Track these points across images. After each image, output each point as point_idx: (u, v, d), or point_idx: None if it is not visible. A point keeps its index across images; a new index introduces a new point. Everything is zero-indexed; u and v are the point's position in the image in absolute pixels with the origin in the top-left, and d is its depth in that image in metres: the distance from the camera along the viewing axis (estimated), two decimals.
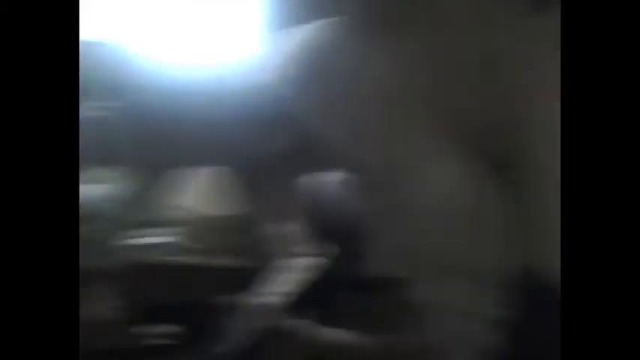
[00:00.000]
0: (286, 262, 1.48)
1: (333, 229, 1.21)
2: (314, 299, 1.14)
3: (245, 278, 1.62)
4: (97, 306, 1.57)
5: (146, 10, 2.12)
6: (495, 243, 0.76)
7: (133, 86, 2.02)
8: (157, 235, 1.80)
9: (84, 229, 1.59)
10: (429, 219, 0.74)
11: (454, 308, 0.73)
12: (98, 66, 1.99)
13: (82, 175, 1.75)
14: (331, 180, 1.16)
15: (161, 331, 1.62)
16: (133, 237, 1.77)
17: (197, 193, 1.79)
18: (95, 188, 1.68)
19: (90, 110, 1.81)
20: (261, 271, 1.58)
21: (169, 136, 2.04)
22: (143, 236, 1.79)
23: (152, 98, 2.03)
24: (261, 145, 1.54)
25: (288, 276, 1.42)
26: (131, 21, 2.11)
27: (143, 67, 2.11)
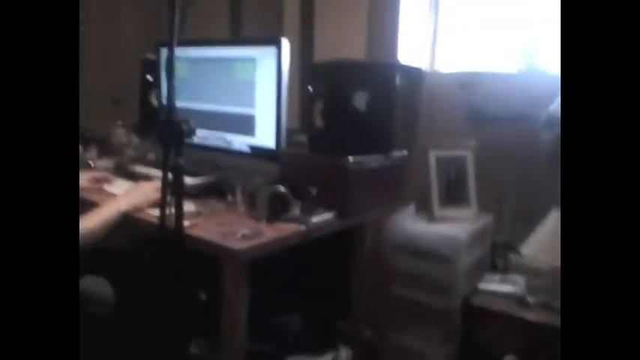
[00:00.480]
0: None
1: None
2: None
3: None
4: (425, 343, 1.63)
5: None
6: None
7: (485, 125, 2.04)
8: (501, 283, 1.75)
9: (428, 266, 1.68)
10: None
11: None
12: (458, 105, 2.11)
13: (429, 213, 1.85)
14: None
15: None
16: (476, 280, 1.77)
17: (543, 240, 1.64)
18: (443, 227, 1.74)
19: (436, 149, 1.91)
20: None
21: (520, 177, 1.97)
22: (487, 281, 1.77)
23: (502, 137, 2.01)
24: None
25: None
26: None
27: (493, 107, 2.11)
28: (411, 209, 1.93)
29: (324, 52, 2.14)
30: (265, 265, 1.43)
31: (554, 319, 1.56)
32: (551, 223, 1.69)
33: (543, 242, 1.65)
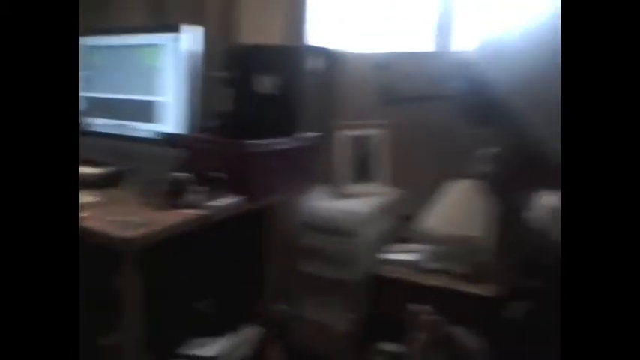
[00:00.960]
0: None
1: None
2: None
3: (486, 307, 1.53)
4: (332, 316, 1.73)
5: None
6: None
7: (397, 104, 2.13)
8: (401, 252, 1.86)
9: (335, 241, 1.77)
10: None
11: None
12: (359, 87, 2.18)
13: (339, 191, 1.94)
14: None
15: (384, 348, 1.66)
16: (382, 251, 1.88)
17: (442, 210, 1.76)
18: (348, 203, 1.83)
19: (347, 129, 2.00)
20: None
21: (429, 154, 2.08)
22: (388, 252, 1.88)
23: (414, 117, 2.11)
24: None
25: None
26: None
27: (406, 85, 2.20)
28: (325, 188, 2.02)
29: (249, 37, 2.16)
30: (175, 252, 1.48)
31: (452, 283, 1.69)
32: (448, 194, 1.81)
33: (442, 212, 1.77)
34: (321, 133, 1.84)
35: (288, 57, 1.76)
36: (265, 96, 1.70)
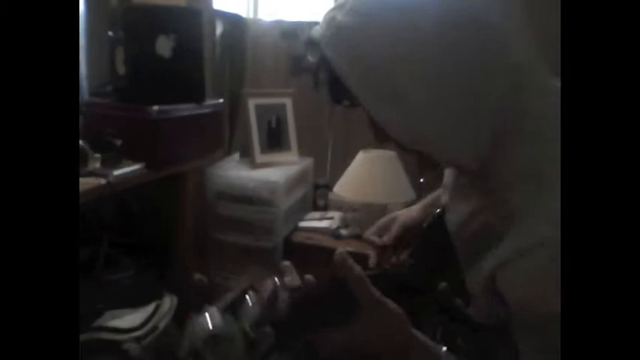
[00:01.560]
0: None
1: None
2: None
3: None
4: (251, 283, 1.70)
5: None
6: None
7: (304, 73, 2.11)
8: (320, 219, 1.86)
9: (251, 210, 1.73)
10: None
11: None
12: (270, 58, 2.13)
13: (251, 159, 1.89)
14: None
15: None
16: (297, 219, 1.87)
17: (351, 179, 1.78)
18: (264, 173, 1.79)
19: (257, 97, 1.95)
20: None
21: (338, 123, 2.08)
22: (307, 219, 1.87)
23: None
24: None
25: None
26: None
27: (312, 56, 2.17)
28: (236, 156, 1.95)
29: None
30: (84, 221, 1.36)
31: (363, 248, 1.72)
32: (356, 163, 1.83)
33: (351, 181, 1.78)
34: (228, 100, 1.77)
35: (188, 19, 1.66)
36: (160, 59, 1.59)
